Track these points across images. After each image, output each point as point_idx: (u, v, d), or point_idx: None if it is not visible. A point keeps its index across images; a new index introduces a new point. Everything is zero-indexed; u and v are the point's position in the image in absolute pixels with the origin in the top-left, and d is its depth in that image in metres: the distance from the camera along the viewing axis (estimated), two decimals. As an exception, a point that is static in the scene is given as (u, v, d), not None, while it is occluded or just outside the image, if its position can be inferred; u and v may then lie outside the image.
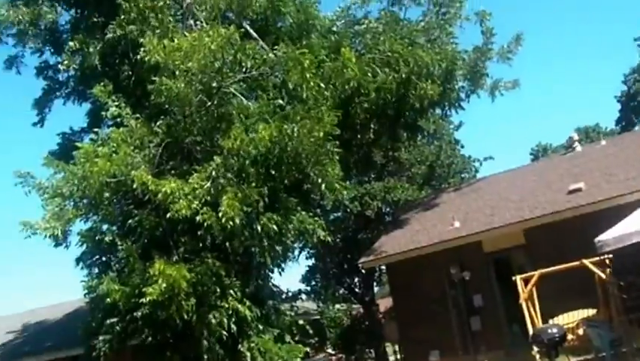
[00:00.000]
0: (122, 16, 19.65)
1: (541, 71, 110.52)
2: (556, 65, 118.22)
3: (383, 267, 31.37)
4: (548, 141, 76.13)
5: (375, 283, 40.38)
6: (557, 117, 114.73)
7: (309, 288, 38.97)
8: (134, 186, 17.02)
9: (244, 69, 18.68)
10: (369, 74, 20.66)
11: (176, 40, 17.53)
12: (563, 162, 27.88)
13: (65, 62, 21.10)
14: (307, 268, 39.10)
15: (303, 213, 19.23)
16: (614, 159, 24.78)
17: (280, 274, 21.35)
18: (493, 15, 24.27)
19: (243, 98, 18.83)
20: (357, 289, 39.30)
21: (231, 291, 18.46)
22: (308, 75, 17.64)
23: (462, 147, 42.03)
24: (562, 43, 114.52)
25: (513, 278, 18.82)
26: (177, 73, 17.24)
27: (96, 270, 20.13)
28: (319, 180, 18.20)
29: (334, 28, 23.53)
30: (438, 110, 26.26)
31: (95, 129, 19.87)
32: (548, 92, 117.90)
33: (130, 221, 18.61)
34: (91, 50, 20.45)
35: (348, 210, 33.26)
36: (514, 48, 24.59)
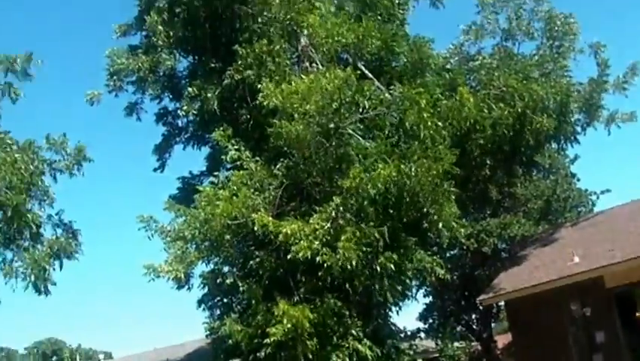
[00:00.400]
0: (239, 62, 20.19)
1: None
2: None
3: (501, 303, 30.73)
4: None
5: (492, 320, 39.57)
6: None
7: (426, 326, 38.53)
8: (255, 228, 17.20)
9: (361, 109, 18.73)
10: (485, 110, 20.41)
11: (293, 83, 17.79)
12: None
13: (185, 108, 21.63)
14: (424, 306, 38.68)
15: (422, 251, 19.09)
16: None
17: (398, 313, 21.22)
18: (608, 45, 23.73)
19: (360, 138, 18.87)
20: (474, 326, 38.63)
21: (352, 331, 18.45)
22: (425, 114, 17.62)
23: (578, 180, 40.93)
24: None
25: (637, 314, 18.12)
26: (295, 115, 17.43)
27: (218, 311, 20.48)
28: (437, 219, 18.04)
29: (448, 66, 23.45)
30: (553, 144, 25.62)
31: (215, 173, 20.26)
32: None
33: (251, 262, 18.85)
34: (209, 95, 20.88)
35: (465, 247, 32.76)
36: (629, 78, 23.89)
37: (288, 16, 19.80)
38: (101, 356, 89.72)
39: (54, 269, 19.00)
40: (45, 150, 19.87)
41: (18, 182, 17.86)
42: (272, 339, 16.62)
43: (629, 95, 24.04)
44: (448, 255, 32.68)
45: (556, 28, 23.92)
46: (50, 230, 19.93)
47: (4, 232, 18.63)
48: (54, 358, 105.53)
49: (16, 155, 18.46)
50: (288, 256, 16.94)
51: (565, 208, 38.75)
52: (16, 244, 18.96)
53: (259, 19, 20.54)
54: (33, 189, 18.89)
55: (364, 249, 17.01)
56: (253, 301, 18.29)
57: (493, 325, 40.65)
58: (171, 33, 21.73)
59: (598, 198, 41.25)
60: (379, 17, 21.38)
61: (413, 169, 17.05)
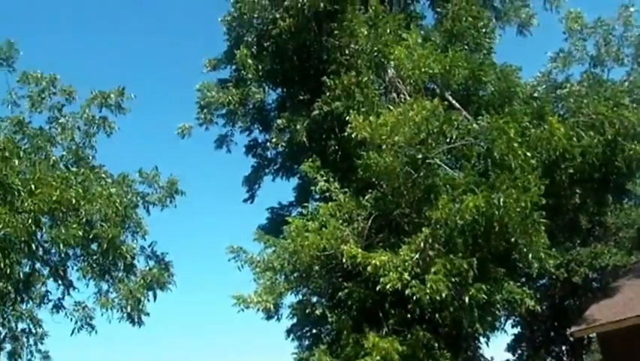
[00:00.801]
0: (327, 93, 20.44)
1: None
2: None
3: (592, 335, 29.87)
4: None
5: (584, 352, 38.53)
6: None
7: (515, 357, 37.87)
8: (344, 259, 17.29)
9: (448, 139, 18.68)
10: (574, 139, 20.00)
11: (381, 115, 17.87)
12: None
13: (274, 140, 22.01)
14: (513, 337, 38.01)
15: (511, 282, 18.80)
16: None
17: (487, 344, 20.82)
18: None
19: (448, 168, 18.80)
20: (565, 358, 37.73)
21: (442, 362, 18.24)
22: (514, 144, 17.37)
23: (672, 207, 39.69)
24: None
25: None
26: (384, 147, 17.49)
27: (306, 342, 20.59)
28: (526, 251, 17.72)
29: (536, 94, 23.05)
30: (646, 171, 24.95)
31: (304, 204, 20.47)
32: None
33: (340, 293, 18.88)
34: (298, 126, 21.20)
35: (554, 276, 32.10)
36: None
37: (375, 48, 19.97)
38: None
39: (148, 300, 19.35)
40: (138, 183, 20.33)
41: (113, 215, 18.26)
42: (361, 372, 16.62)
43: None
44: (537, 285, 32.13)
45: (646, 52, 23.38)
46: (143, 262, 20.36)
47: (99, 264, 19.06)
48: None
49: (112, 188, 18.92)
50: (377, 288, 16.94)
51: (659, 234, 37.61)
52: (111, 276, 19.37)
53: (346, 51, 20.71)
54: (127, 221, 19.29)
55: (453, 280, 16.87)
56: (343, 333, 18.31)
57: (584, 357, 39.63)
58: (260, 66, 22.17)
59: None
60: (466, 47, 21.29)
61: (502, 200, 16.80)
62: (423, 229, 17.36)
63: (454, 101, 20.30)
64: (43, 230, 17.92)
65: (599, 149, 20.46)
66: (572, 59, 24.08)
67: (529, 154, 17.72)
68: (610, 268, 32.34)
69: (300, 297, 20.12)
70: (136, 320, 19.11)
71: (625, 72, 24.02)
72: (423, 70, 18.93)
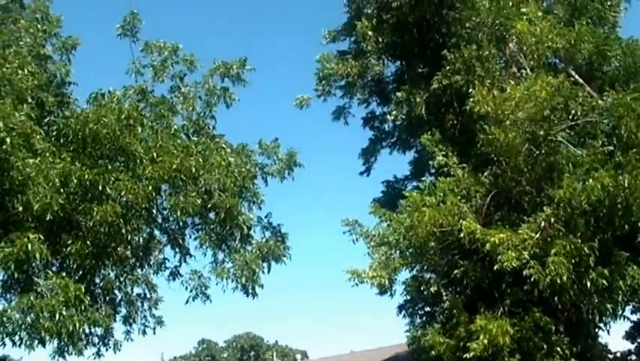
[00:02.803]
0: (447, 67, 20.14)
1: None
2: None
3: None
4: None
5: None
6: None
7: (635, 345, 36.31)
8: (462, 235, 17.01)
9: (572, 117, 18.08)
10: None
11: (507, 89, 17.41)
12: None
13: (393, 112, 21.92)
14: (631, 324, 36.45)
15: (635, 267, 18.03)
16: None
17: (609, 332, 20.05)
18: None
19: (571, 146, 18.16)
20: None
21: (558, 348, 17.76)
22: (645, 122, 16.65)
23: None
24: None
25: None
26: (506, 122, 17.05)
27: (419, 320, 20.43)
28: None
29: (664, 68, 22.10)
30: None
31: (421, 178, 20.26)
32: None
33: (455, 271, 18.61)
34: (417, 100, 21.03)
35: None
36: None
37: (497, 22, 19.47)
38: (298, 356, 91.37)
39: (263, 272, 19.53)
40: (257, 154, 20.46)
41: (231, 185, 18.37)
42: (471, 354, 16.36)
43: None
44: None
45: None
46: (259, 233, 20.40)
47: (216, 233, 19.25)
48: (252, 353, 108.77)
49: (230, 158, 19.05)
50: (495, 267, 16.62)
51: None
52: (227, 245, 19.55)
53: (467, 25, 20.42)
54: (245, 192, 19.43)
55: (574, 262, 16.34)
56: (456, 312, 18.06)
57: None
58: (380, 38, 22.11)
59: None
60: (590, 20, 20.48)
61: (627, 181, 16.15)
62: (544, 208, 16.92)
63: (577, 77, 19.61)
64: (163, 198, 18.25)
65: None
66: None
67: (658, 132, 16.97)
68: None
69: (415, 273, 19.95)
70: (250, 291, 19.27)
71: None
72: (546, 44, 18.36)
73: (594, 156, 17.37)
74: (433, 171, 20.44)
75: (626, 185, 16.15)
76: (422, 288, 19.56)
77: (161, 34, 20.87)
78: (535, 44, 18.58)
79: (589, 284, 16.90)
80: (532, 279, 16.38)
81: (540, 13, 19.60)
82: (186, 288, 19.47)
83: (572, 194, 16.37)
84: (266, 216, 20.34)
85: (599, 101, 18.62)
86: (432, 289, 19.25)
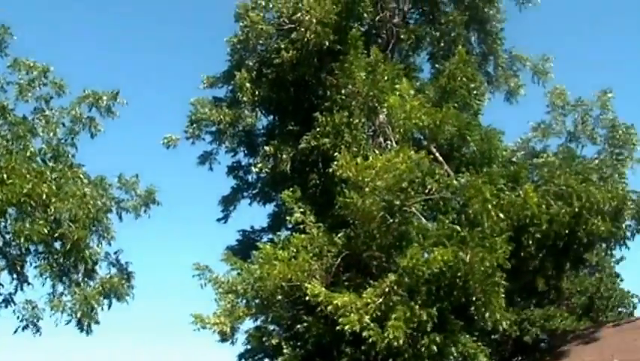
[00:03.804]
0: (318, 128, 20.77)
1: None
2: None
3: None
4: None
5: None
6: None
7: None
8: (307, 296, 17.52)
9: (427, 191, 19.09)
10: (544, 206, 20.59)
11: (370, 158, 18.21)
12: None
13: (259, 165, 22.30)
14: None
15: (467, 335, 19.04)
16: None
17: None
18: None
19: (423, 218, 19.10)
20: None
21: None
22: (489, 205, 17.86)
23: (621, 280, 40.86)
24: None
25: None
26: (366, 190, 17.77)
27: (257, 370, 20.58)
28: (484, 310, 18.06)
29: (514, 159, 23.85)
30: (603, 245, 25.60)
31: (277, 232, 20.68)
32: None
33: (298, 326, 19.04)
34: (284, 156, 21.51)
35: (507, 334, 32.51)
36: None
37: (371, 93, 20.38)
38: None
39: (102, 308, 19.13)
40: (115, 188, 20.16)
41: (83, 216, 18.03)
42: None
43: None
44: (489, 339, 32.49)
45: (617, 136, 24.26)
46: (105, 268, 20.12)
47: (59, 264, 18.80)
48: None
49: (86, 189, 18.71)
50: (337, 328, 17.12)
51: (607, 307, 38.60)
52: (69, 278, 19.06)
53: (342, 91, 21.08)
54: (96, 225, 19.09)
55: (412, 328, 17.15)
56: (294, 366, 18.41)
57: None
58: (257, 91, 22.47)
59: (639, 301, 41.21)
60: (456, 105, 21.71)
61: (468, 257, 17.21)
62: (389, 275, 17.67)
63: (438, 155, 20.75)
64: (8, 221, 17.71)
65: (565, 219, 21.15)
66: (551, 131, 25.23)
67: (501, 216, 18.28)
68: (560, 332, 32.91)
69: (259, 324, 20.17)
70: (85, 327, 18.77)
71: (597, 151, 25.03)
72: (413, 121, 19.40)
73: (442, 230, 18.43)
74: (289, 226, 20.87)
75: (467, 260, 17.28)
76: (264, 339, 19.75)
77: (37, 54, 20.39)
78: (403, 119, 19.64)
79: (423, 349, 17.80)
80: (370, 340, 16.95)
81: (412, 91, 20.78)
82: (18, 317, 18.97)
83: (416, 264, 17.24)
84: (115, 253, 20.10)
85: (454, 181, 19.81)
86: (273, 341, 19.49)
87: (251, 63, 23.09)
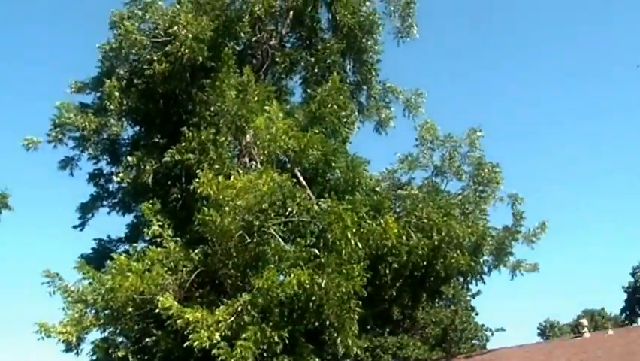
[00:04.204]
0: (183, 143, 20.69)
1: (557, 250, 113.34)
2: (573, 245, 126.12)
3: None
4: (555, 318, 77.99)
5: None
6: (566, 295, 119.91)
7: None
8: (158, 309, 17.37)
9: (288, 213, 19.29)
10: (404, 237, 21.11)
11: (232, 177, 18.30)
12: (572, 347, 27.59)
13: (121, 175, 21.93)
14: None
15: (318, 359, 19.26)
16: (619, 350, 24.53)
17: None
18: (526, 198, 25.01)
19: (281, 240, 19.27)
20: None
21: None
22: (348, 233, 18.18)
23: (476, 314, 42.54)
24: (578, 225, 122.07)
25: None
26: (226, 208, 17.81)
27: (101, 383, 20.13)
28: (336, 335, 18.34)
29: (378, 188, 24.26)
30: (460, 278, 26.40)
31: (134, 244, 20.39)
32: (560, 270, 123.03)
33: (147, 340, 18.80)
34: (147, 167, 21.32)
35: (359, 359, 33.05)
36: (539, 233, 25.02)
37: (240, 112, 20.45)
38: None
39: None
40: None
41: None
42: None
43: (536, 248, 25.12)
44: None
45: (483, 174, 25.11)
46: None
47: None
48: None
49: None
50: (185, 344, 17.05)
51: (460, 339, 40.04)
52: None
53: (212, 108, 21.11)
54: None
55: (262, 347, 17.23)
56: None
57: None
58: (125, 101, 22.19)
59: (492, 335, 43.11)
60: (324, 130, 22.10)
61: (325, 282, 17.48)
62: (243, 294, 17.72)
63: (302, 179, 21.04)
64: None
65: (424, 251, 21.64)
66: (417, 164, 25.70)
67: (360, 245, 18.57)
68: (412, 360, 33.79)
69: (107, 335, 19.77)
70: None
71: (461, 187, 25.77)
72: (278, 144, 19.61)
73: (300, 253, 18.60)
74: (147, 238, 20.59)
75: (323, 285, 17.51)
76: (110, 351, 19.36)
77: None
78: (268, 141, 19.83)
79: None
80: (219, 359, 16.92)
81: (281, 114, 20.96)
82: None
83: (271, 285, 17.36)
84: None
85: (315, 205, 20.07)
86: (120, 353, 19.10)
87: (122, 72, 22.79)
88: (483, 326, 42.82)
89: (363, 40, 25.68)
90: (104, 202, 24.46)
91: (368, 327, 27.85)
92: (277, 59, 24.82)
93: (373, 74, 26.54)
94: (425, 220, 22.16)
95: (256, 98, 20.86)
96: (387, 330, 35.70)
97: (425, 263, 22.13)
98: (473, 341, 41.44)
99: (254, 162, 20.70)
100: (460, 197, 24.99)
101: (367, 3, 26.13)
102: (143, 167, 21.42)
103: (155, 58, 22.01)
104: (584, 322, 30.93)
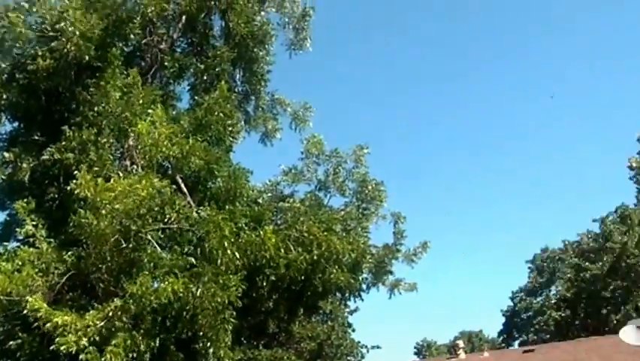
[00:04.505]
0: (64, 142, 20.29)
1: (437, 270, 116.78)
2: (454, 268, 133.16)
3: None
4: (433, 338, 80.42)
5: None
6: (446, 317, 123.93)
7: None
8: (26, 310, 16.97)
9: (166, 220, 19.20)
10: (283, 250, 21.21)
11: (112, 180, 18.11)
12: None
13: (-4, 171, 21.31)
14: None
15: (187, 371, 19.21)
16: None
17: None
18: (407, 216, 25.63)
19: (158, 247, 19.15)
20: None
21: None
22: (226, 243, 18.22)
23: (353, 330, 43.25)
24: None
25: None
26: (103, 212, 17.59)
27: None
28: (209, 345, 18.28)
29: (260, 200, 24.35)
30: (338, 294, 26.74)
31: (5, 243, 19.91)
32: (440, 291, 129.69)
33: (11, 343, 18.30)
34: (24, 165, 20.80)
35: (232, 371, 33.09)
36: (419, 253, 25.70)
37: (124, 115, 20.22)
38: None
39: None
40: None
41: None
42: None
43: (415, 268, 25.77)
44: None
45: (366, 191, 25.62)
46: None
47: None
48: None
49: None
50: (52, 347, 16.73)
51: (336, 355, 40.57)
52: None
53: (95, 108, 20.77)
54: None
55: (132, 355, 17.05)
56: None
57: None
58: (5, 95, 21.65)
59: (368, 352, 44.07)
60: (209, 138, 22.08)
61: (200, 291, 17.47)
62: (115, 299, 17.49)
63: (182, 185, 20.96)
64: None
65: (303, 265, 21.72)
66: (301, 177, 26.05)
67: (237, 255, 18.55)
68: (285, 376, 33.98)
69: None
70: None
71: (344, 203, 26.20)
72: (160, 149, 19.48)
73: (176, 261, 18.53)
74: (20, 238, 20.07)
75: (197, 294, 17.46)
76: (-31, 352, 18.82)
77: None
78: (150, 146, 19.59)
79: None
80: (86, 364, 16.69)
81: (166, 119, 20.74)
82: None
83: (145, 291, 17.21)
84: None
85: (194, 213, 20.00)
86: (-21, 356, 18.63)
87: (3, 65, 22.15)
88: (359, 342, 43.56)
89: (255, 50, 25.82)
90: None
91: (242, 339, 27.79)
92: (166, 63, 24.62)
93: (263, 84, 26.73)
94: (306, 234, 22.19)
95: (141, 101, 20.65)
96: (262, 343, 35.61)
97: (303, 277, 22.17)
98: (349, 358, 42.18)
99: (135, 166, 20.44)
100: (342, 213, 25.41)
101: (262, 13, 26.34)
102: (20, 164, 20.89)
103: (40, 53, 21.48)
104: (460, 343, 32.03)
